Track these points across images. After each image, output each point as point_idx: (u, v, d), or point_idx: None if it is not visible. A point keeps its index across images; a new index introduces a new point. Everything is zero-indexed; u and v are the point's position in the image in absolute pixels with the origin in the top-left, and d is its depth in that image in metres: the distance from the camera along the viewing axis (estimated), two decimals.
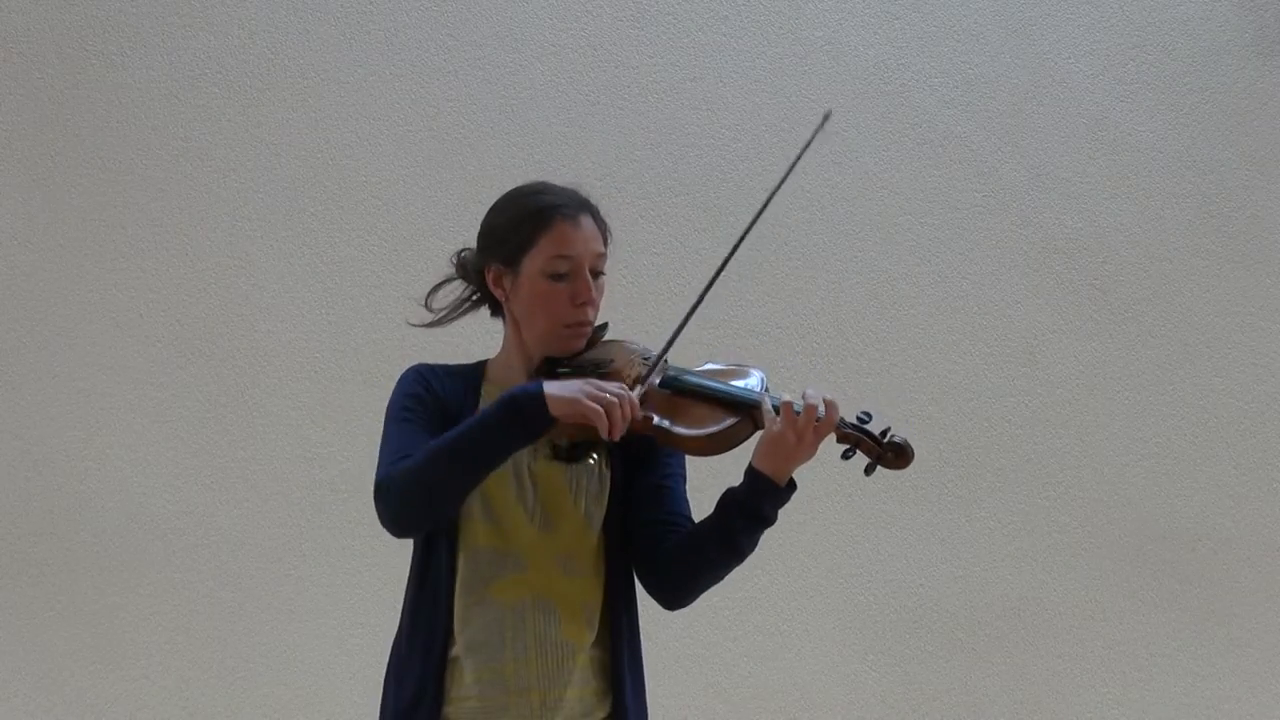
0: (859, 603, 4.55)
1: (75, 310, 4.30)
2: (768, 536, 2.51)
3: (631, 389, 2.42)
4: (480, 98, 4.48)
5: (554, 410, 2.35)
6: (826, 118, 2.51)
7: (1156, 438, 4.69)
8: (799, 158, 2.49)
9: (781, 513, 2.47)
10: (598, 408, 2.33)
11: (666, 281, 4.40)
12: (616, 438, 2.36)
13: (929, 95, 4.67)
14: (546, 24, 4.52)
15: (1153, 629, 4.65)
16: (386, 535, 2.50)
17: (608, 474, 2.55)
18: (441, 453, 2.39)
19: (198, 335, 4.33)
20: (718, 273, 2.48)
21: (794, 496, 2.47)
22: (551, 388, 2.37)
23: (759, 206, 2.48)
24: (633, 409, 2.36)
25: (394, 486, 2.42)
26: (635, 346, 2.57)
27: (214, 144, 4.37)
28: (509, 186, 2.65)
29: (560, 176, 2.66)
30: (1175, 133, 4.76)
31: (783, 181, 2.48)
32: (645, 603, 2.60)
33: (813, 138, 2.49)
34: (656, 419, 2.44)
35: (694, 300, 2.48)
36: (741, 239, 2.48)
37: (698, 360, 2.58)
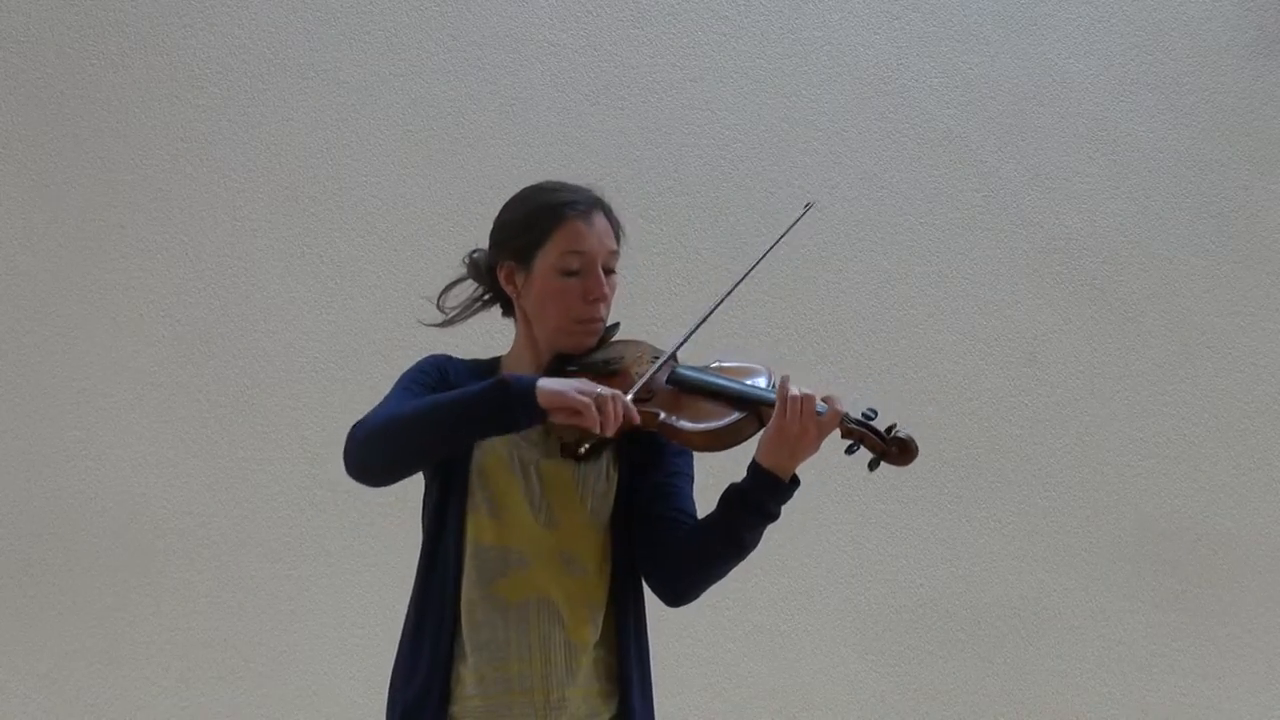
0: (859, 603, 4.55)
1: (75, 310, 4.29)
2: (769, 536, 2.51)
3: (635, 384, 2.42)
4: (480, 98, 4.47)
5: (542, 401, 2.32)
6: (808, 208, 2.56)
7: (1156, 438, 4.69)
8: (776, 242, 2.52)
9: (783, 511, 2.47)
10: (587, 401, 2.30)
11: (667, 281, 4.40)
12: (609, 433, 2.33)
13: (929, 95, 4.67)
14: (546, 24, 4.52)
15: (1153, 629, 4.65)
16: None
17: (615, 473, 2.55)
18: (424, 410, 2.39)
19: (198, 335, 4.33)
20: (738, 283, 2.50)
21: (795, 494, 2.47)
22: (545, 381, 2.35)
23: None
24: (626, 410, 2.33)
25: (370, 429, 2.42)
26: (647, 346, 2.57)
27: (214, 144, 4.37)
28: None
29: (560, 176, 2.67)
30: (1175, 133, 4.76)
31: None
32: (647, 602, 2.60)
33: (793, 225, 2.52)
34: (662, 414, 2.44)
35: (711, 303, 2.50)
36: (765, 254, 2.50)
37: (705, 359, 2.58)
